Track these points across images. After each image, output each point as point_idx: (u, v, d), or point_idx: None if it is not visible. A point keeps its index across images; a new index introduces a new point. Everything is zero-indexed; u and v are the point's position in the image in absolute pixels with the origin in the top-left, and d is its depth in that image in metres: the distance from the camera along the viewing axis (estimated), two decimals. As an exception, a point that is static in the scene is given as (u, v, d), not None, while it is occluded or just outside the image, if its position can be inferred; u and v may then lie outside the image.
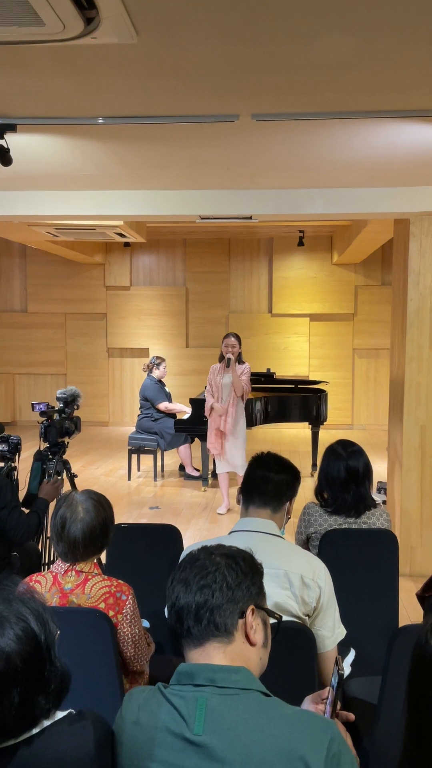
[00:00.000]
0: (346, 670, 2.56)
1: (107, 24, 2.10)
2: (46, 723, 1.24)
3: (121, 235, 8.07)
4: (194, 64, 2.47)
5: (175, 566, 1.43)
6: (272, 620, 1.47)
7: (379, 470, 6.65)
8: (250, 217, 5.07)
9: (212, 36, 2.23)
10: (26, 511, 3.62)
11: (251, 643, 1.37)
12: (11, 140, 3.20)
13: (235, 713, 1.24)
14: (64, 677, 1.27)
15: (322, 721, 1.27)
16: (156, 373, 7.69)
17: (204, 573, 1.37)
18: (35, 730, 1.22)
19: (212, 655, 1.33)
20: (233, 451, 6.33)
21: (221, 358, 6.40)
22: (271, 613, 1.46)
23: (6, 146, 3.18)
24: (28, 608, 1.24)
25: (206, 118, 3.08)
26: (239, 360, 6.38)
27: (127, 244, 10.83)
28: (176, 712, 1.26)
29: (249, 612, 1.37)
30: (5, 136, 3.16)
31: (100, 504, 2.20)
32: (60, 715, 1.27)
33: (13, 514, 3.37)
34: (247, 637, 1.36)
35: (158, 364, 7.71)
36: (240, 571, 1.39)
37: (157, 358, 7.83)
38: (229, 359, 6.22)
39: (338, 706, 1.50)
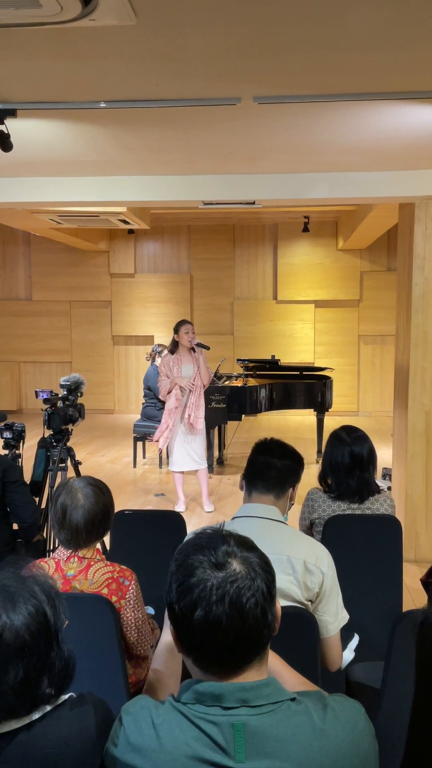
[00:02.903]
0: (350, 655, 2.57)
1: (105, 5, 2.07)
2: (48, 708, 1.24)
3: (125, 221, 8.03)
4: (195, 45, 2.44)
5: (181, 565, 1.23)
6: None
7: (385, 456, 6.65)
8: (254, 203, 5.03)
9: (212, 16, 2.20)
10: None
11: (274, 634, 1.25)
12: (11, 125, 3.18)
13: (276, 731, 1.14)
14: (69, 663, 1.27)
15: (357, 709, 1.23)
16: (159, 361, 7.68)
17: (248, 593, 1.17)
18: (36, 715, 1.22)
19: (248, 676, 1.19)
20: (195, 445, 5.90)
21: (173, 347, 5.88)
22: None
23: (6, 131, 3.16)
24: (41, 588, 1.26)
25: (208, 101, 3.05)
26: (204, 345, 5.95)
27: (131, 231, 10.80)
28: (209, 739, 1.13)
29: (278, 609, 1.25)
30: (5, 121, 3.14)
31: (100, 489, 2.20)
32: (61, 699, 1.27)
33: (22, 490, 3.43)
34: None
35: (160, 352, 7.70)
36: (273, 573, 1.24)
37: (159, 345, 7.80)
38: (198, 344, 5.80)
39: None
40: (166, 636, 1.61)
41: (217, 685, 1.17)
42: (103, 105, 3.10)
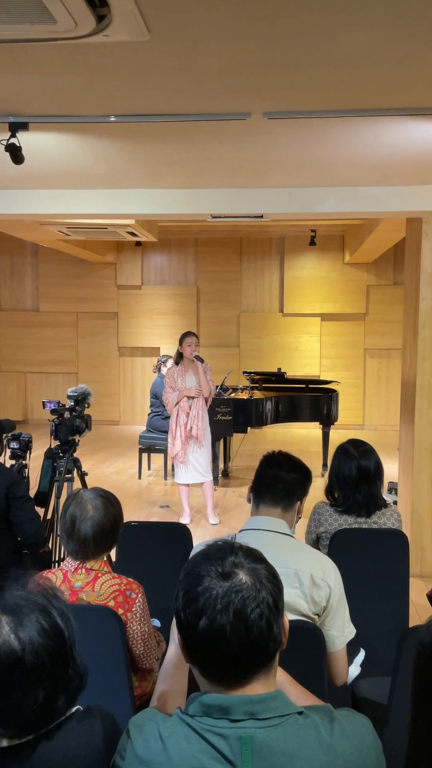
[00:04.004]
0: (356, 670, 2.55)
1: (119, 22, 2.10)
2: (54, 722, 1.23)
3: (133, 234, 8.08)
4: (206, 61, 2.47)
5: (189, 573, 1.24)
6: None
7: (390, 470, 6.62)
8: (261, 216, 5.06)
9: (224, 33, 2.23)
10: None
11: (282, 648, 1.25)
12: (23, 139, 3.21)
13: (283, 745, 1.14)
14: (83, 675, 1.26)
15: (364, 723, 1.23)
16: (165, 371, 7.69)
17: (253, 603, 1.17)
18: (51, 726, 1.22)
19: (255, 688, 1.18)
20: (200, 457, 5.90)
21: (178, 359, 5.93)
22: None
23: (18, 145, 3.19)
24: (53, 604, 1.23)
25: (218, 116, 3.08)
26: (199, 359, 5.87)
27: (138, 244, 10.85)
28: (216, 752, 1.13)
29: (285, 623, 1.25)
30: (17, 134, 3.17)
31: (109, 501, 2.20)
32: (68, 711, 1.27)
33: (27, 506, 3.41)
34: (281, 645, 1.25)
35: (165, 362, 7.73)
36: (280, 586, 1.24)
37: (164, 356, 7.85)
38: (197, 357, 5.78)
39: None
40: (172, 651, 1.61)
41: (225, 698, 1.16)
42: (113, 119, 3.13)
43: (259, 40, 2.28)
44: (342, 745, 1.16)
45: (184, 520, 6.00)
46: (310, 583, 2.00)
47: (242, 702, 1.15)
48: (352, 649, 2.34)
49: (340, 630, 2.07)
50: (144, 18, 2.10)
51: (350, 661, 2.29)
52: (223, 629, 1.15)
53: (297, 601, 2.00)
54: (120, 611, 2.09)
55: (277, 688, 1.22)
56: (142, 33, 2.19)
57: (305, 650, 1.95)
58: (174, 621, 1.27)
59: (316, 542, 2.96)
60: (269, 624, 1.18)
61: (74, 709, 1.27)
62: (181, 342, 5.89)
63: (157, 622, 2.53)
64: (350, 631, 2.11)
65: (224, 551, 1.25)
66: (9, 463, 3.95)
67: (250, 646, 1.16)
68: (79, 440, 4.36)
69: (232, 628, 1.15)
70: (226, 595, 1.17)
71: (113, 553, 2.98)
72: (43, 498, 4.13)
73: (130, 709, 2.04)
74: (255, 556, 1.26)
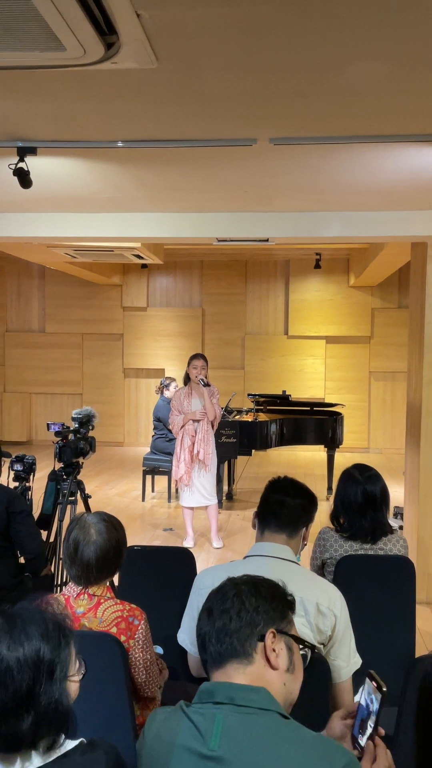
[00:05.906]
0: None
1: (127, 49, 2.12)
2: (56, 754, 1.21)
3: (139, 256, 8.13)
4: (213, 88, 2.49)
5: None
6: (302, 650, 1.48)
7: (396, 495, 6.58)
8: (267, 240, 5.09)
9: (232, 61, 2.25)
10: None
11: (273, 667, 1.36)
12: (31, 163, 3.24)
13: (251, 732, 1.24)
14: (60, 707, 1.22)
15: (339, 750, 1.26)
16: (167, 394, 7.67)
17: (224, 599, 1.41)
18: (37, 761, 1.18)
19: (232, 675, 1.34)
20: (205, 481, 5.87)
21: (186, 381, 5.94)
22: (299, 641, 1.46)
23: (26, 169, 3.22)
24: (48, 624, 1.25)
25: (224, 142, 3.10)
26: (206, 383, 5.84)
27: (144, 266, 10.91)
28: (195, 728, 1.27)
29: (269, 635, 1.37)
30: (25, 159, 3.20)
31: (113, 526, 2.18)
32: (71, 744, 1.24)
33: (27, 521, 3.40)
34: (268, 660, 1.36)
35: (167, 385, 7.71)
36: (259, 596, 1.42)
37: (167, 378, 7.84)
38: (201, 380, 5.76)
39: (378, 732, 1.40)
40: None
41: (213, 684, 1.35)
42: (120, 144, 3.16)
43: (266, 69, 2.31)
44: (304, 754, 1.22)
45: (188, 543, 5.95)
46: (316, 612, 1.98)
47: (225, 687, 1.31)
48: (357, 678, 2.29)
49: (346, 660, 2.04)
50: (152, 46, 2.12)
51: (354, 690, 2.25)
52: (203, 615, 1.42)
53: (302, 630, 1.97)
54: (122, 638, 2.06)
55: (264, 687, 1.33)
56: (150, 61, 2.21)
57: (310, 680, 1.91)
58: None
59: (321, 568, 2.92)
60: (231, 619, 1.37)
61: (77, 742, 1.25)
62: (188, 364, 5.91)
63: (159, 650, 2.49)
64: (356, 662, 2.07)
65: (258, 577, 1.49)
66: (12, 485, 3.94)
67: (217, 632, 1.37)
68: (83, 462, 4.35)
69: (208, 614, 1.41)
70: (218, 589, 1.45)
71: (115, 578, 2.95)
72: (45, 520, 4.10)
73: (132, 739, 2.01)
74: (266, 582, 1.47)
